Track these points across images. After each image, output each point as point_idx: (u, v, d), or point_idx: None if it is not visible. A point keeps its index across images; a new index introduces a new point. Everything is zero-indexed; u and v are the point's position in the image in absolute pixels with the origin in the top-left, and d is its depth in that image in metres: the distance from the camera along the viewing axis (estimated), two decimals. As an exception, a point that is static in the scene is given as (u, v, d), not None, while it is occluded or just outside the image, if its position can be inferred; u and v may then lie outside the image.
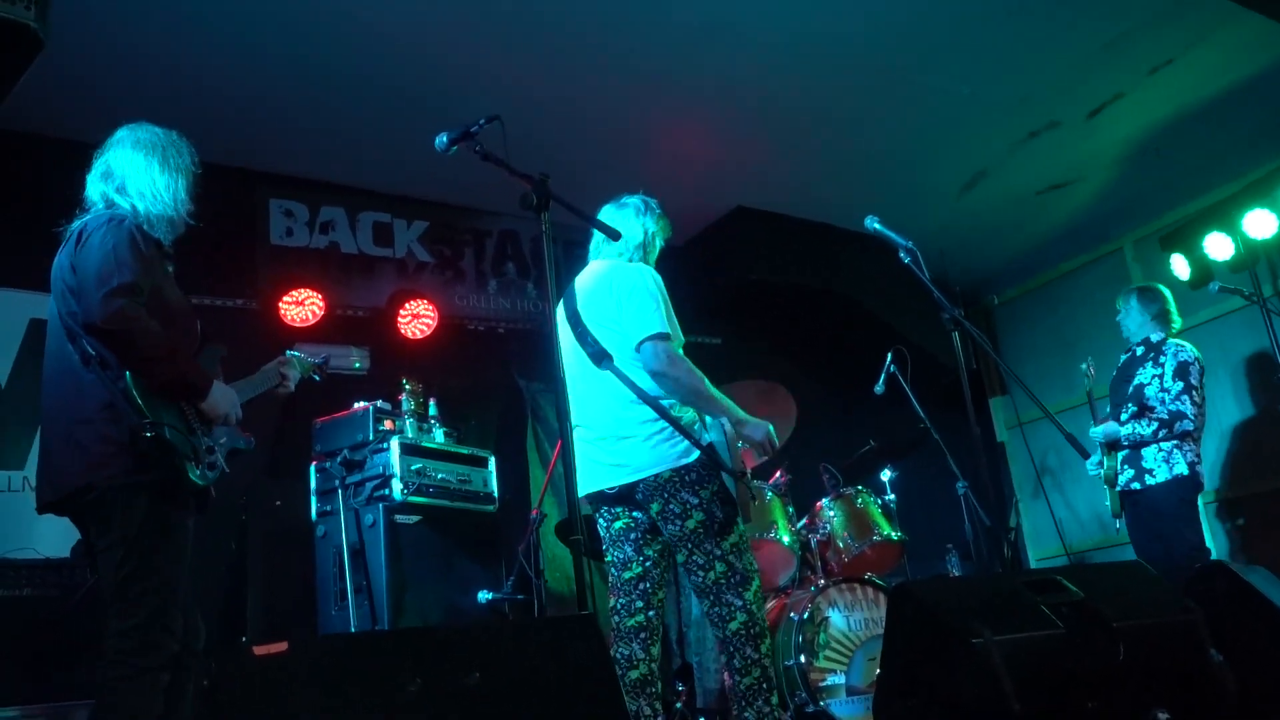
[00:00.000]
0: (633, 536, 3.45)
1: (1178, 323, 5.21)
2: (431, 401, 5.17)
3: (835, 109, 5.56)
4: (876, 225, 3.85)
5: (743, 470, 3.35)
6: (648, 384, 3.33)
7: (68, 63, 4.43)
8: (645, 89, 5.26)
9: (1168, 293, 5.27)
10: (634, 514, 3.44)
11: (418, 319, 5.90)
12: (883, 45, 5.01)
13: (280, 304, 5.54)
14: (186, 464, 2.75)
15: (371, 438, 4.72)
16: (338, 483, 4.67)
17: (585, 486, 3.44)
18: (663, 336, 3.32)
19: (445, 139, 2.98)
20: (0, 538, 4.28)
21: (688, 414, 3.37)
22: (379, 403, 4.85)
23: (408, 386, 5.06)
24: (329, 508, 4.71)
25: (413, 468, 4.69)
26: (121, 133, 3.04)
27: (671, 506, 3.29)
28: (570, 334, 3.50)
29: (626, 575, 3.44)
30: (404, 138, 5.22)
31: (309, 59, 4.79)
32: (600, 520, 3.54)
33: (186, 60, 4.69)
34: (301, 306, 5.57)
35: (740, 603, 3.26)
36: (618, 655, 3.35)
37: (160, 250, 2.95)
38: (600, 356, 3.33)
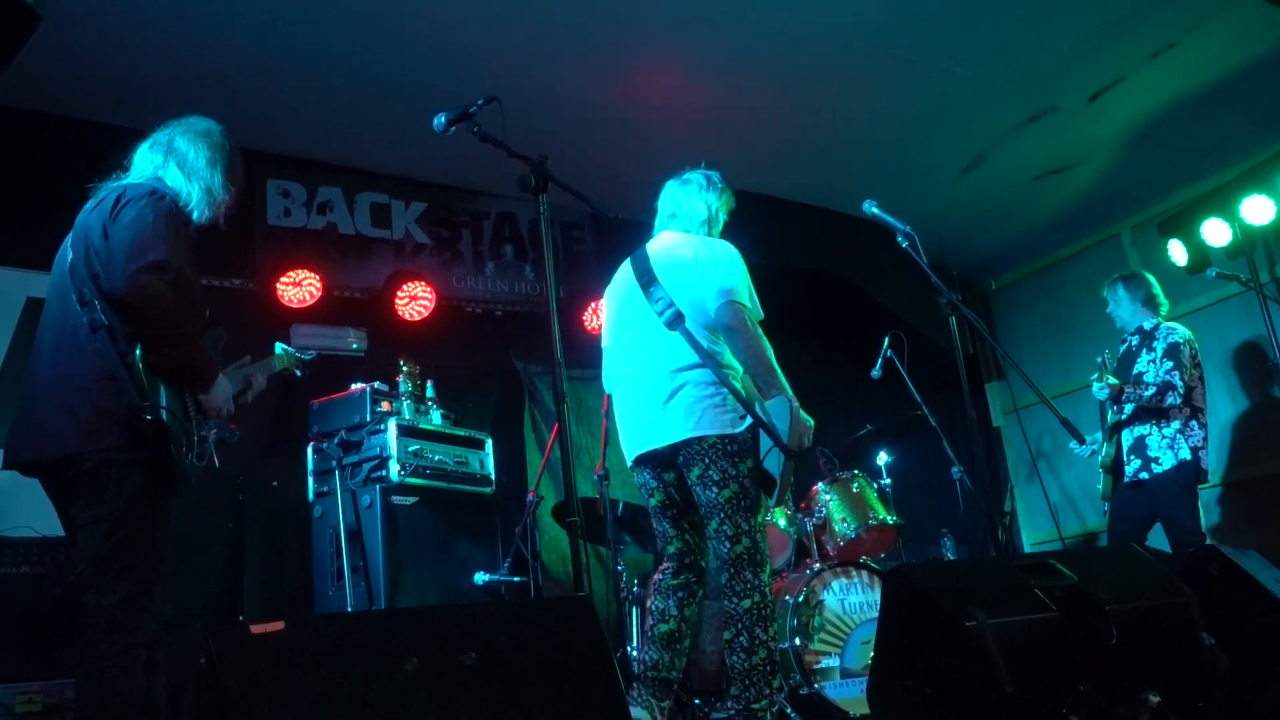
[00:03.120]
0: (670, 514, 3.49)
1: (1166, 305, 5.25)
2: (429, 383, 5.18)
3: (833, 91, 5.53)
4: (875, 210, 3.85)
5: (797, 452, 3.33)
6: (712, 350, 3.36)
7: (65, 40, 4.41)
8: (641, 71, 5.23)
9: (1151, 277, 5.32)
10: (670, 490, 3.46)
11: (415, 300, 5.89)
12: (881, 27, 4.98)
13: (278, 285, 5.52)
14: (179, 449, 2.74)
15: (369, 419, 4.72)
16: (335, 464, 4.68)
17: (633, 449, 3.49)
18: (744, 305, 3.38)
19: (443, 120, 2.98)
20: (-2, 516, 4.29)
21: (745, 387, 3.39)
22: (376, 384, 4.86)
23: (405, 368, 5.06)
24: (326, 489, 4.72)
25: (410, 449, 4.70)
26: (192, 120, 3.09)
27: (711, 473, 3.29)
28: (637, 296, 3.52)
29: (670, 549, 3.50)
30: (402, 118, 5.21)
31: (307, 37, 4.76)
32: (642, 489, 3.56)
33: (184, 38, 4.67)
34: (299, 287, 5.56)
35: (757, 582, 3.28)
36: (652, 607, 3.43)
37: (188, 234, 2.97)
38: (676, 318, 3.37)
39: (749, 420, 3.31)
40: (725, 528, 3.29)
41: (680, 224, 3.67)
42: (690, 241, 3.57)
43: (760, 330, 3.40)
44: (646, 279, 3.50)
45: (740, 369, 3.41)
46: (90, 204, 2.91)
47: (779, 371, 3.38)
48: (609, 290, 3.75)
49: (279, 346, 3.50)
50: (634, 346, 3.52)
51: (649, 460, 3.46)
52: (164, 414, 2.68)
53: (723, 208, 3.74)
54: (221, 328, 3.17)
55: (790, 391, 3.37)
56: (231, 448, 3.03)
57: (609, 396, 3.75)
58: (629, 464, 3.56)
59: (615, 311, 3.67)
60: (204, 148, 3.01)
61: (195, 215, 2.97)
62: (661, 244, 3.64)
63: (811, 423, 3.37)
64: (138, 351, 2.69)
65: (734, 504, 3.28)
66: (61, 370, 2.77)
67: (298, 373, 3.61)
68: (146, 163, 2.99)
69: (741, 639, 3.25)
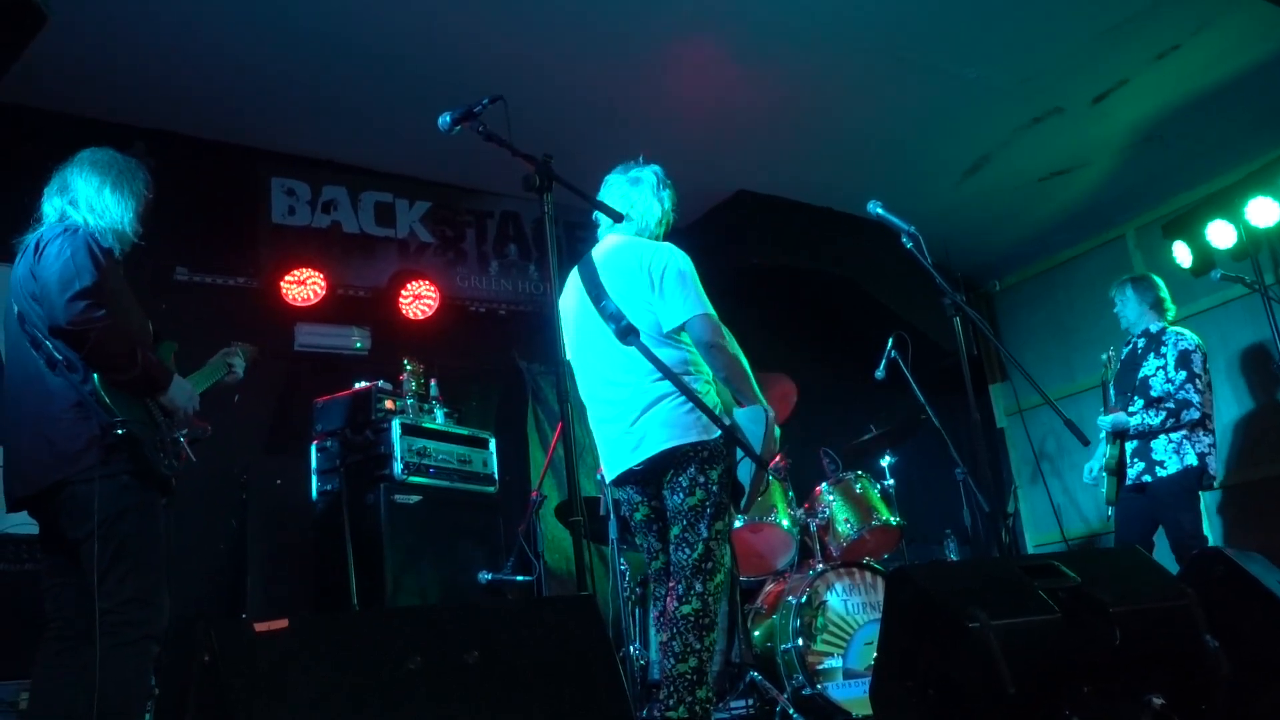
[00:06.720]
0: (656, 527, 3.44)
1: (1173, 310, 5.23)
2: (432, 382, 5.19)
3: (838, 92, 5.53)
4: (879, 210, 3.84)
5: (768, 461, 3.30)
6: (671, 361, 3.30)
7: (70, 38, 4.42)
8: (647, 71, 5.24)
9: (1160, 280, 5.30)
10: (654, 504, 3.42)
11: (419, 299, 5.90)
12: (886, 28, 4.98)
13: (282, 283, 5.52)
14: (155, 454, 2.91)
15: (373, 418, 4.73)
16: (338, 462, 4.69)
17: (612, 468, 3.43)
18: (714, 315, 3.33)
19: (448, 119, 2.98)
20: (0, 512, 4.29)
21: (710, 396, 3.34)
22: (380, 383, 4.86)
23: (409, 367, 5.07)
24: (329, 487, 4.73)
25: (413, 448, 4.70)
26: (82, 154, 3.20)
27: (680, 479, 3.26)
28: (589, 309, 3.44)
29: (656, 565, 3.45)
30: (407, 117, 5.21)
31: (312, 35, 4.77)
32: (624, 505, 3.53)
33: (188, 37, 4.67)
34: (303, 286, 5.56)
35: (701, 589, 3.21)
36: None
37: (112, 259, 3.08)
38: (628, 332, 3.29)
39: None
40: (687, 534, 3.26)
41: (634, 225, 3.53)
42: (636, 249, 3.45)
43: (733, 339, 3.37)
44: (596, 292, 3.42)
45: (708, 375, 3.37)
46: (18, 258, 3.09)
47: (754, 381, 3.36)
48: (561, 302, 3.58)
49: (234, 344, 3.53)
50: (595, 363, 3.45)
51: (630, 479, 3.42)
52: (133, 426, 2.85)
53: (673, 207, 3.64)
54: (171, 340, 3.30)
55: (764, 401, 3.35)
56: (235, 446, 3.08)
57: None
58: (608, 482, 3.52)
59: (571, 326, 3.55)
60: (92, 175, 3.13)
61: (109, 242, 3.08)
62: (607, 252, 3.53)
63: (778, 433, 3.35)
64: (95, 376, 2.86)
65: (697, 511, 3.25)
66: (35, 411, 2.94)
67: (228, 375, 3.54)
68: (52, 209, 3.13)
69: (674, 644, 3.18)
